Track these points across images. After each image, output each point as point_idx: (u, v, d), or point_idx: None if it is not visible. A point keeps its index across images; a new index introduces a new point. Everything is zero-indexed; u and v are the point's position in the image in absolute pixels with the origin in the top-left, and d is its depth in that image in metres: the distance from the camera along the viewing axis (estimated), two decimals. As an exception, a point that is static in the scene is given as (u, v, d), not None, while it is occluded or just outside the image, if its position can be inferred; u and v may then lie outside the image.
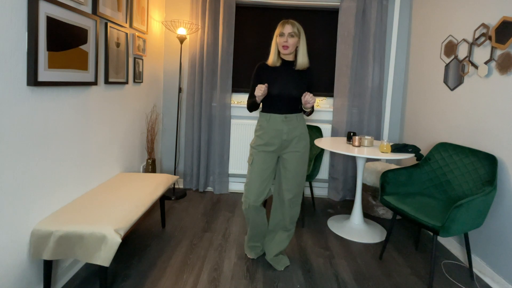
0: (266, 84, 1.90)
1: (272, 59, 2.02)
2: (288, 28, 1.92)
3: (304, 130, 2.05)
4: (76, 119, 1.92)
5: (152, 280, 1.91)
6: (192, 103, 3.40)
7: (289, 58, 2.02)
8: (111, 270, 1.98)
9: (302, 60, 1.99)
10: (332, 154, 3.43)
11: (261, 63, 2.07)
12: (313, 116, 3.48)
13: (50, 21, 1.60)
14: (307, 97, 1.86)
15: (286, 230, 2.14)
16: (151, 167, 3.05)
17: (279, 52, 2.02)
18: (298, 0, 3.38)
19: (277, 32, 1.98)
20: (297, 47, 1.98)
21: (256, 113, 3.29)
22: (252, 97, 2.04)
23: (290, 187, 2.04)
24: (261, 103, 2.05)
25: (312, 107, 2.06)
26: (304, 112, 2.05)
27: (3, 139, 1.39)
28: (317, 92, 3.52)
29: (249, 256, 2.22)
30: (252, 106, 2.05)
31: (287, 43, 1.93)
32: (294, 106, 2.00)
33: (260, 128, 2.04)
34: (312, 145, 3.13)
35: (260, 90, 1.86)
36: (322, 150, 2.84)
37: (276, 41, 1.98)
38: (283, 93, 1.96)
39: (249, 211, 2.06)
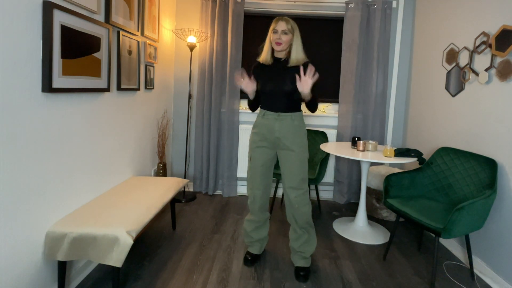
0: (246, 78, 1.92)
1: (264, 56, 1.99)
2: (282, 25, 1.89)
3: (300, 130, 1.99)
4: (89, 124, 1.93)
5: (163, 280, 1.94)
6: (202, 109, 3.45)
7: (282, 55, 1.99)
8: (123, 271, 2.01)
9: (296, 57, 1.93)
10: (337, 158, 3.47)
11: (256, 63, 2.05)
12: (319, 122, 3.52)
13: (64, 29, 1.61)
14: (302, 81, 1.80)
15: (296, 232, 2.08)
16: (162, 171, 3.11)
17: (273, 50, 1.99)
18: (304, 9, 3.45)
19: (270, 29, 1.94)
20: (291, 44, 1.94)
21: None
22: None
23: (291, 186, 1.99)
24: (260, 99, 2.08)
25: (313, 95, 1.89)
26: (303, 100, 1.93)
27: (19, 144, 1.40)
28: (323, 98, 3.57)
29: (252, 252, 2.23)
30: (249, 103, 2.10)
31: (280, 40, 1.89)
32: (288, 104, 1.97)
33: (255, 124, 2.07)
34: (318, 149, 3.18)
35: (240, 83, 1.92)
36: (327, 155, 2.87)
37: (270, 38, 1.95)
38: (276, 90, 1.94)
39: (255, 203, 2.09)
